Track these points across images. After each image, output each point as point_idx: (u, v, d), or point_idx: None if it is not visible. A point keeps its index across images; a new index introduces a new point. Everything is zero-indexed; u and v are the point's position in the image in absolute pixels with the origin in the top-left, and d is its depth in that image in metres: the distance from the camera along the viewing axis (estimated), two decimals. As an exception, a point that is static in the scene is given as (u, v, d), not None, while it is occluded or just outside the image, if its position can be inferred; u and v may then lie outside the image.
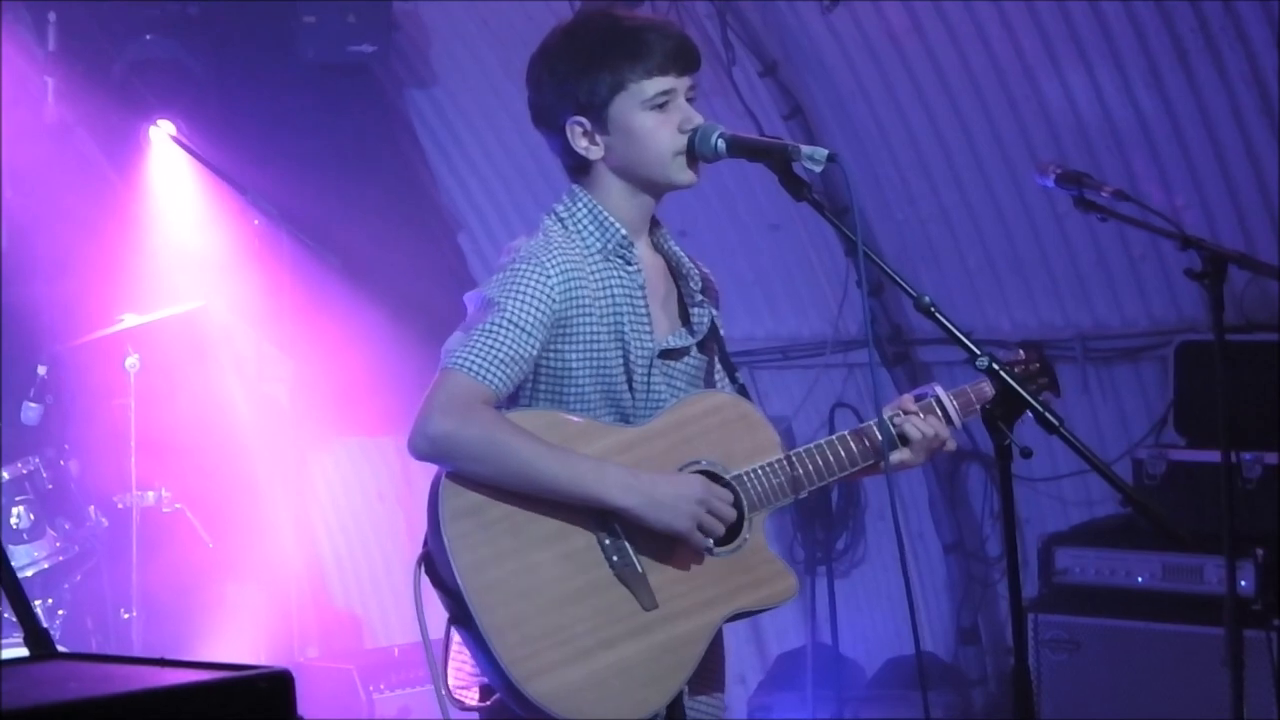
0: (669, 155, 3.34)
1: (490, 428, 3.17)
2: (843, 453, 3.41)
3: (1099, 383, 6.49)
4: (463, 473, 3.19)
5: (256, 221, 7.35)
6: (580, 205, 3.38)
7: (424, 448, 3.19)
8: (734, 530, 3.32)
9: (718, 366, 3.55)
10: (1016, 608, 3.13)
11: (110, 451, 6.69)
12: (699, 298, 3.45)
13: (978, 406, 3.47)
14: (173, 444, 6.85)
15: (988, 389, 3.39)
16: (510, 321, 3.21)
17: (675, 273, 3.48)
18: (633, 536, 3.24)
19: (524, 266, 3.26)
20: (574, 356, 3.30)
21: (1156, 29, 5.73)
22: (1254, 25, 5.57)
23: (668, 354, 3.40)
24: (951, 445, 3.46)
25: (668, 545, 3.26)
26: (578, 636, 3.17)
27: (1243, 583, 5.17)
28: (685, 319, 3.46)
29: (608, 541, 3.23)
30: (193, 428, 7.04)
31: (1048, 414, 3.11)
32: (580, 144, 3.36)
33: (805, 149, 3.19)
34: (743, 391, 3.50)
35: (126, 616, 6.53)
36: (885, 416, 3.41)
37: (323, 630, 7.66)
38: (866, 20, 6.27)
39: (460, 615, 3.17)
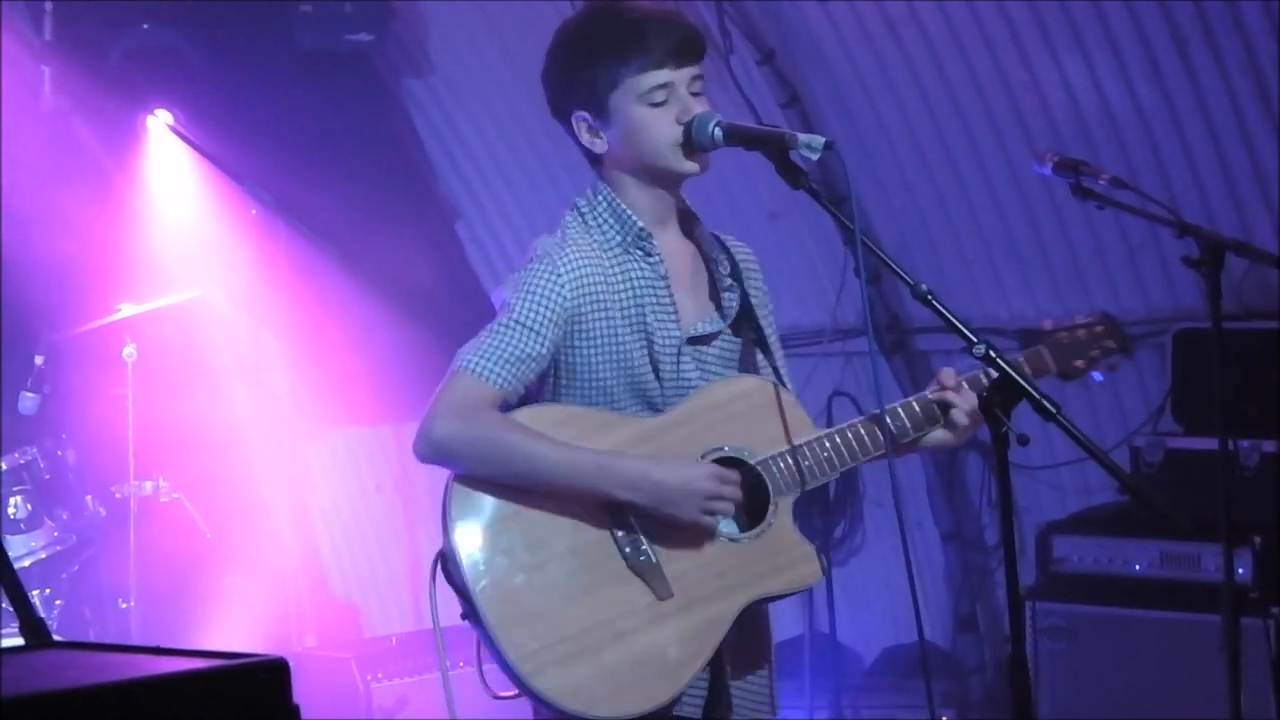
0: (667, 147, 3.34)
1: (492, 429, 3.22)
2: (877, 432, 3.40)
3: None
4: (469, 474, 3.24)
5: (254, 211, 7.35)
6: (600, 199, 3.41)
7: (426, 451, 3.25)
8: (759, 514, 3.33)
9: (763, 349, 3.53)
10: (1014, 596, 3.12)
11: (108, 441, 6.68)
12: (728, 281, 3.45)
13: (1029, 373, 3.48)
14: (170, 434, 6.85)
15: (1044, 360, 3.52)
16: (518, 321, 3.27)
17: (706, 258, 3.48)
18: (647, 528, 3.26)
19: (537, 266, 3.32)
20: (593, 352, 3.33)
21: (1154, 17, 5.73)
22: (1251, 13, 5.56)
23: (697, 340, 3.40)
24: (972, 428, 3.43)
25: (685, 534, 3.27)
26: (588, 631, 3.20)
27: (1240, 570, 5.18)
28: (718, 304, 3.47)
29: (620, 534, 3.25)
30: (190, 417, 7.03)
31: (1045, 401, 3.11)
32: (585, 138, 3.39)
33: (803, 137, 3.18)
34: (778, 374, 3.48)
35: (124, 606, 6.53)
36: (926, 394, 3.44)
37: (321, 620, 7.65)
38: (863, 8, 6.27)
39: (471, 613, 3.22)
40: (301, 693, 2.21)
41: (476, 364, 3.25)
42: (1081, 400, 6.42)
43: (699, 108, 3.33)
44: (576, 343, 3.32)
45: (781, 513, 3.35)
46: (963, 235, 6.57)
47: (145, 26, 6.82)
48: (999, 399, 3.14)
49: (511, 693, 3.25)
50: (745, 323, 3.47)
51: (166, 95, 7.09)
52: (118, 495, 6.60)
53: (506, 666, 3.18)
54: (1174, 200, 5.60)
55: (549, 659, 3.18)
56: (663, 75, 3.31)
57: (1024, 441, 3.11)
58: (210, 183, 7.30)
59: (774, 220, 6.94)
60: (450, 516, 3.22)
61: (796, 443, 3.36)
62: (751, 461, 3.33)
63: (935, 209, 6.57)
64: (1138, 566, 5.56)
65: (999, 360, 3.14)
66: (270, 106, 7.10)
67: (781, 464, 3.35)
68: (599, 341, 3.33)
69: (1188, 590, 5.40)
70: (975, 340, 3.14)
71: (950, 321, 3.18)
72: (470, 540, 3.22)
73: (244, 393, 7.42)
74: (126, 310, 6.57)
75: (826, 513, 6.97)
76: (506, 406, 3.31)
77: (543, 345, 3.28)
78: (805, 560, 3.36)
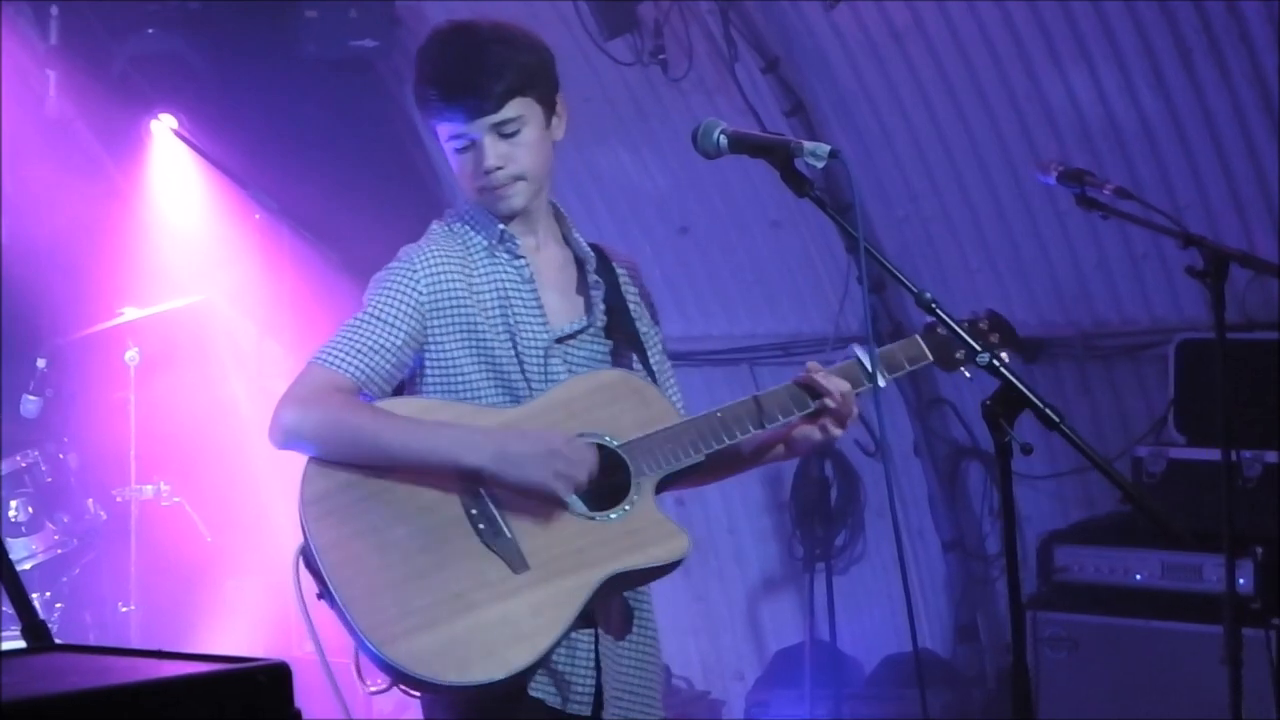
0: (473, 190, 3.45)
1: (338, 410, 3.28)
2: (741, 415, 3.43)
3: (1099, 380, 6.49)
4: (321, 456, 3.29)
5: (257, 215, 7.34)
6: (466, 207, 3.52)
7: (277, 436, 3.33)
8: (621, 496, 3.34)
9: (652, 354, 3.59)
10: (1015, 605, 3.12)
11: (109, 445, 6.68)
12: (594, 278, 3.52)
13: (906, 365, 3.59)
14: (172, 438, 6.84)
15: (920, 349, 3.56)
16: (371, 315, 3.38)
17: (578, 260, 3.56)
18: (502, 505, 3.29)
19: (395, 265, 3.45)
20: (454, 346, 3.39)
21: (1159, 28, 5.73)
22: (1256, 25, 5.57)
23: (564, 338, 3.47)
24: (850, 411, 3.47)
25: (541, 512, 3.30)
26: (439, 603, 3.22)
27: (1241, 581, 5.17)
28: (587, 302, 3.54)
29: (474, 511, 3.28)
30: (192, 421, 7.02)
31: (1048, 410, 3.11)
32: None
33: (807, 145, 3.20)
34: (651, 376, 3.52)
35: (125, 610, 6.52)
36: (796, 379, 3.49)
37: (322, 624, 7.63)
38: (868, 17, 6.27)
39: (325, 592, 3.26)
40: (301, 697, 2.20)
41: (328, 355, 3.35)
42: (1084, 410, 6.42)
43: (493, 158, 3.38)
44: (438, 337, 3.39)
45: (644, 493, 3.36)
46: (966, 244, 6.57)
47: (150, 32, 6.82)
48: (1002, 408, 3.14)
49: (383, 685, 3.27)
50: (616, 324, 3.53)
51: (171, 100, 7.09)
52: (119, 499, 6.59)
53: (358, 639, 3.21)
54: (1178, 211, 5.60)
55: (399, 629, 3.20)
56: (454, 128, 3.40)
57: (1027, 450, 3.11)
58: (214, 187, 7.29)
59: (777, 228, 6.94)
60: (303, 499, 3.29)
61: (660, 428, 3.38)
62: (614, 445, 3.36)
63: (939, 218, 6.57)
64: (1139, 576, 5.55)
65: (1003, 370, 3.14)
66: (275, 112, 7.10)
67: (644, 446, 3.37)
68: (459, 336, 3.38)
69: (1189, 600, 5.39)
70: (978, 348, 3.15)
71: (954, 330, 3.19)
72: (322, 521, 3.27)
73: (246, 397, 7.41)
74: (129, 314, 6.57)
75: (828, 521, 6.96)
76: (369, 400, 3.37)
77: (396, 336, 3.35)
78: (670, 537, 3.35)
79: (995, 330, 3.64)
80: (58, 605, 6.34)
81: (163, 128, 7.18)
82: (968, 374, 3.58)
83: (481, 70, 3.37)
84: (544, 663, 3.27)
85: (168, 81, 6.97)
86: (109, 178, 7.12)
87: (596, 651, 3.38)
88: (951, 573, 6.98)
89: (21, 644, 2.49)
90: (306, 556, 3.30)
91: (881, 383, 3.47)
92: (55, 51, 6.67)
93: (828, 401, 3.45)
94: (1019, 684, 3.12)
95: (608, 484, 3.36)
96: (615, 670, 3.42)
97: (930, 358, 3.59)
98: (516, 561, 3.26)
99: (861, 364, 3.49)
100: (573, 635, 3.33)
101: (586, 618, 3.34)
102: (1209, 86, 5.75)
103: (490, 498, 3.29)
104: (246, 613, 6.85)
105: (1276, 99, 5.63)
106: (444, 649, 3.20)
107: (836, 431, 3.48)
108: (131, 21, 6.83)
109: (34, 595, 6.15)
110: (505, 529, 3.27)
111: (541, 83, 3.43)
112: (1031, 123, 6.16)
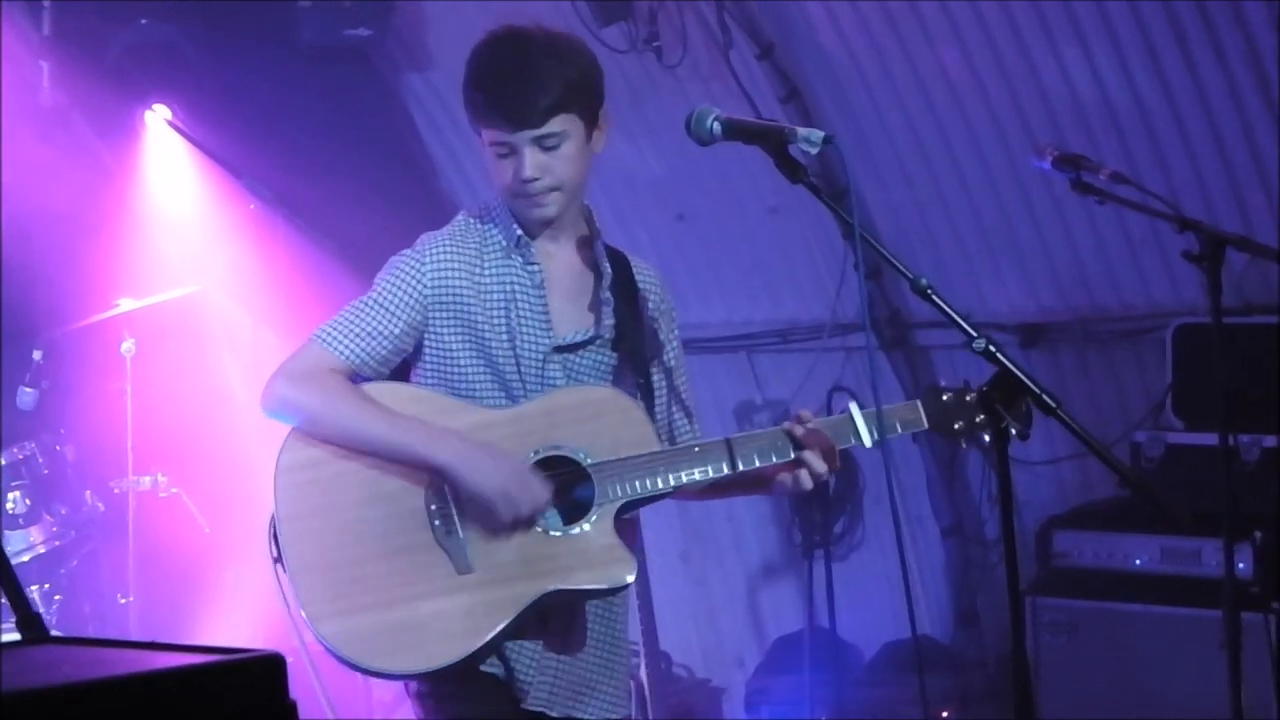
0: (508, 194, 3.50)
1: (327, 390, 3.38)
2: (717, 456, 3.44)
3: (1097, 365, 6.48)
4: (302, 430, 3.38)
5: (253, 206, 7.33)
6: (495, 203, 3.57)
7: (268, 404, 3.42)
8: (580, 513, 3.39)
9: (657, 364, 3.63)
10: (1014, 591, 3.12)
11: (106, 436, 6.67)
12: (605, 294, 3.54)
13: (899, 429, 3.53)
14: (169, 428, 6.83)
15: (918, 415, 3.48)
16: (375, 301, 3.45)
17: (597, 274, 3.59)
18: (462, 507, 3.35)
19: (407, 254, 3.51)
20: (453, 340, 3.46)
21: (1154, 9, 5.71)
22: (1252, 7, 5.55)
23: (565, 348, 3.50)
24: (830, 467, 3.47)
25: (498, 519, 3.34)
26: (380, 589, 3.32)
27: (1241, 565, 5.17)
28: (598, 316, 3.57)
29: (434, 507, 3.36)
30: (189, 412, 7.02)
31: (1045, 396, 3.11)
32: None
33: (801, 131, 3.20)
34: (646, 391, 3.54)
35: (124, 601, 6.52)
36: (779, 427, 3.50)
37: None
38: (863, 2, 6.25)
39: (278, 559, 3.36)
40: (300, 688, 2.20)
41: (327, 335, 3.43)
42: (1082, 395, 6.41)
43: (530, 168, 3.43)
44: (438, 329, 3.46)
45: (605, 514, 3.40)
46: (963, 229, 6.56)
47: (144, 21, 6.81)
48: (999, 394, 3.13)
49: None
50: (624, 339, 3.55)
51: (165, 90, 7.08)
52: (116, 490, 6.58)
53: (299, 609, 3.31)
54: (1174, 195, 5.59)
55: (336, 608, 3.31)
56: (497, 135, 3.46)
57: (1024, 436, 3.11)
58: (209, 177, 7.28)
59: (774, 215, 6.93)
60: (278, 466, 3.37)
61: (636, 453, 3.41)
62: (586, 462, 3.40)
63: (935, 203, 6.56)
64: (1138, 561, 5.55)
65: (999, 355, 3.14)
66: (269, 101, 7.08)
67: (615, 470, 3.40)
68: (458, 331, 3.45)
69: (1188, 585, 5.39)
70: (975, 335, 3.15)
71: (950, 316, 3.18)
72: (289, 491, 3.36)
73: (242, 386, 7.40)
74: (125, 305, 6.55)
75: (826, 508, 6.96)
76: (361, 381, 3.44)
77: (395, 325, 3.43)
78: (617, 562, 3.40)
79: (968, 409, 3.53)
80: (56, 597, 6.34)
81: (157, 118, 7.16)
82: (964, 444, 3.54)
83: (529, 83, 3.42)
84: (472, 663, 3.33)
85: (162, 71, 6.96)
86: (104, 169, 7.10)
87: (543, 657, 3.43)
88: (951, 558, 6.98)
89: (15, 636, 2.49)
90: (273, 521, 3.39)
91: (868, 443, 3.48)
92: (49, 42, 6.65)
93: (806, 455, 3.47)
94: (1018, 669, 3.12)
95: (573, 499, 3.41)
96: (572, 673, 3.48)
97: (926, 425, 3.53)
98: (462, 562, 3.33)
99: (853, 422, 3.49)
100: (521, 642, 3.40)
101: (542, 623, 3.40)
102: (1204, 68, 5.73)
103: (453, 498, 3.35)
104: (246, 603, 6.85)
105: (1272, 81, 5.62)
106: (373, 635, 3.30)
107: (808, 485, 3.49)
108: (125, 11, 6.81)
109: (32, 587, 6.14)
110: (459, 530, 3.34)
111: (587, 98, 3.48)
112: (1027, 106, 6.15)
